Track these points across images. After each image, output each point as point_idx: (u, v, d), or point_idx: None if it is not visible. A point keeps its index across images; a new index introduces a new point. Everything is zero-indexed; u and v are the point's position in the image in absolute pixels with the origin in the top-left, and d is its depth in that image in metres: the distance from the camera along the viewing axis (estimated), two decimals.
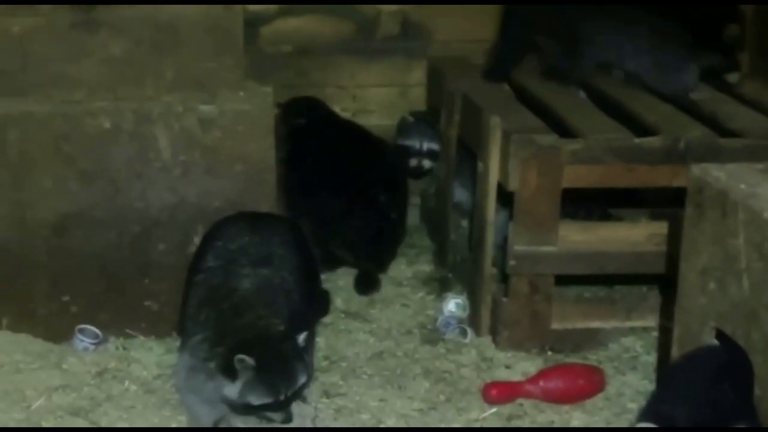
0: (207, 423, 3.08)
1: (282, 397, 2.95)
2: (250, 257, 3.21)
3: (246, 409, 2.96)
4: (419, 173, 4.32)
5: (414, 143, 4.27)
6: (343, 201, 4.05)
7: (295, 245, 3.34)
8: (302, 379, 2.99)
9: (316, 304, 3.54)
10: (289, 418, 3.00)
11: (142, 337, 3.65)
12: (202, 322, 3.09)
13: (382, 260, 4.16)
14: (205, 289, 3.17)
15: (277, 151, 3.65)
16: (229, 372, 2.92)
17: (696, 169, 2.80)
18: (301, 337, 3.03)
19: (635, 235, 3.57)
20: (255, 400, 2.94)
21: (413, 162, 4.28)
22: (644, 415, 2.67)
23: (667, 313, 3.42)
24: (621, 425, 3.19)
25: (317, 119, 4.25)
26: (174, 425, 3.20)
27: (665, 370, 3.04)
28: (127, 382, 3.40)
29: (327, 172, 4.07)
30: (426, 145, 4.25)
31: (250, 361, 2.90)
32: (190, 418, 3.17)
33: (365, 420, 3.24)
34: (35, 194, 3.53)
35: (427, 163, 4.28)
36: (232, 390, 2.94)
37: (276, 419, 2.99)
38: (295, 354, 3.00)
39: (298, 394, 3.02)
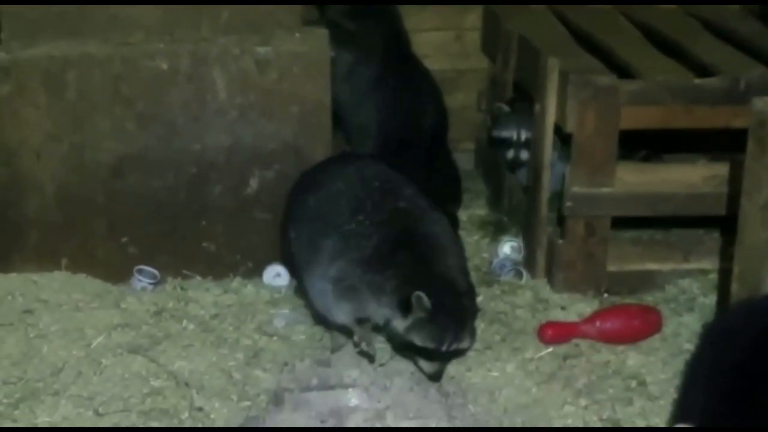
0: (347, 320, 3.14)
1: (444, 349, 3.00)
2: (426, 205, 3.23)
3: (405, 347, 3.03)
4: (517, 164, 4.03)
5: (511, 134, 3.98)
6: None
7: None
8: (469, 341, 3.04)
9: None
10: (438, 375, 3.06)
11: (199, 278, 3.68)
12: (385, 258, 3.08)
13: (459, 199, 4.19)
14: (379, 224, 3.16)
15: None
16: (404, 305, 2.97)
17: (759, 102, 2.75)
18: (478, 300, 3.10)
19: (693, 176, 3.54)
20: (419, 341, 2.99)
21: (510, 154, 4.00)
22: None
23: (726, 254, 3.41)
24: (677, 366, 3.17)
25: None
26: (231, 363, 3.24)
27: None
28: (184, 321, 3.44)
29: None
30: (524, 136, 3.96)
31: (427, 302, 2.94)
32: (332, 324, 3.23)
33: None
34: (93, 136, 3.56)
35: (524, 155, 3.96)
36: (400, 324, 3.00)
37: (426, 370, 3.06)
38: (469, 313, 3.05)
39: (459, 354, 3.08)
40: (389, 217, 3.17)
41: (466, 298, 3.06)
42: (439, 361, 3.07)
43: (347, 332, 3.21)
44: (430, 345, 3.01)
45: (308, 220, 3.31)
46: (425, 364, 3.09)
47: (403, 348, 3.11)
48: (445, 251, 3.13)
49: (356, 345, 3.14)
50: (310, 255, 3.24)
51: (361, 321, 3.13)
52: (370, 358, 3.16)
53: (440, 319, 2.99)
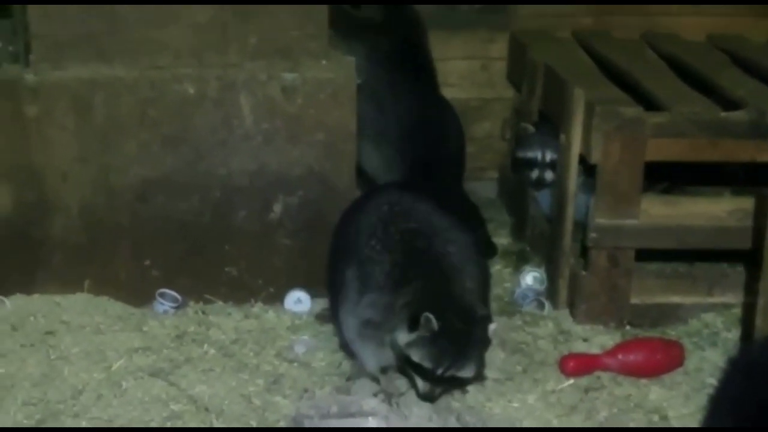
0: (374, 368, 3.13)
1: (439, 372, 2.98)
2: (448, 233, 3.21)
3: (403, 361, 3.00)
4: (541, 185, 4.00)
5: (536, 154, 3.95)
6: None
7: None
8: (470, 370, 3.01)
9: None
10: (429, 397, 3.02)
11: (221, 302, 3.68)
12: (397, 280, 3.09)
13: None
14: (405, 252, 3.15)
15: None
16: (412, 322, 2.96)
17: None
18: (492, 328, 3.04)
19: (718, 210, 3.53)
20: (416, 357, 2.97)
21: (535, 174, 3.97)
22: None
23: (750, 289, 3.39)
24: (699, 400, 3.16)
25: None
26: (251, 389, 3.23)
27: None
28: (206, 346, 3.44)
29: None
30: (548, 156, 3.90)
31: (435, 324, 2.93)
32: (359, 365, 3.22)
33: None
34: (120, 159, 3.57)
35: (549, 175, 3.93)
36: (403, 337, 2.98)
37: (419, 388, 3.02)
38: (478, 342, 3.02)
39: (459, 383, 3.06)
40: (399, 239, 3.16)
41: (475, 327, 3.02)
42: (433, 383, 3.02)
43: (375, 379, 3.19)
44: (426, 364, 2.98)
45: (338, 253, 3.34)
46: (420, 383, 3.03)
47: (401, 362, 3.06)
48: (459, 272, 3.12)
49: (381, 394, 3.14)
50: (339, 288, 3.25)
51: (385, 370, 3.13)
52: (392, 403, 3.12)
53: (442, 343, 2.96)
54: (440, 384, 3.03)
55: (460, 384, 3.10)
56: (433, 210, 3.25)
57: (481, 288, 3.21)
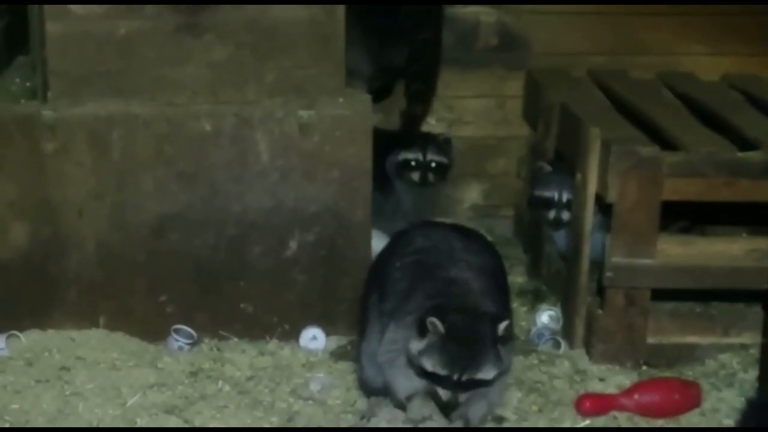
0: (402, 394, 3.09)
1: (456, 377, 2.92)
2: (460, 252, 3.19)
3: (421, 373, 2.96)
4: (559, 225, 3.95)
5: (553, 194, 3.91)
6: None
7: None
8: (488, 370, 2.94)
9: None
10: (453, 404, 2.95)
11: (236, 339, 3.68)
12: (410, 300, 3.08)
13: None
14: (415, 271, 3.16)
15: None
16: (421, 329, 2.93)
17: None
18: (502, 326, 2.96)
19: (735, 250, 3.52)
20: (429, 365, 2.93)
21: (552, 214, 3.93)
22: None
23: (767, 329, 3.38)
24: None
25: None
26: (266, 425, 3.22)
27: None
28: (220, 383, 3.43)
29: None
30: (566, 196, 3.87)
31: (440, 327, 2.90)
32: (391, 391, 3.16)
33: None
34: (136, 195, 3.59)
35: (566, 215, 3.88)
36: (416, 346, 2.95)
37: (442, 397, 2.96)
38: (489, 340, 2.94)
39: (480, 385, 2.96)
40: (413, 259, 3.19)
41: (483, 326, 2.95)
42: (454, 390, 2.95)
43: (402, 406, 3.16)
44: (440, 371, 2.92)
45: (367, 289, 3.35)
46: (441, 392, 2.96)
47: (420, 375, 3.00)
48: (465, 278, 3.09)
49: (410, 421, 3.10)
50: (364, 323, 3.29)
51: (410, 398, 3.09)
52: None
53: (451, 347, 2.91)
54: (460, 389, 2.95)
55: (482, 385, 2.97)
56: (452, 232, 3.27)
57: (491, 287, 3.14)
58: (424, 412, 3.05)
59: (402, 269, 3.19)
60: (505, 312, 3.15)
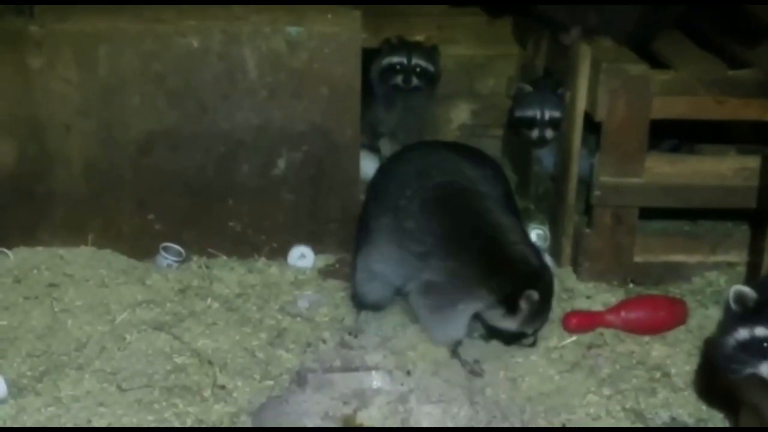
0: (449, 342, 3.22)
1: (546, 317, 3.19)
2: (478, 182, 3.29)
3: (515, 336, 3.22)
4: (542, 144, 3.94)
5: (535, 113, 3.87)
6: None
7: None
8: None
9: None
10: (536, 341, 3.24)
11: (224, 257, 3.68)
12: (459, 254, 3.17)
13: None
14: (445, 212, 3.23)
15: None
16: (512, 306, 3.10)
17: None
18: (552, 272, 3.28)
19: (724, 169, 3.52)
20: (531, 329, 3.19)
21: (535, 133, 3.89)
22: None
23: (754, 248, 3.39)
24: (701, 358, 3.16)
25: None
26: (255, 343, 3.24)
27: None
28: (209, 300, 3.44)
29: None
30: (548, 114, 3.85)
31: (535, 296, 3.08)
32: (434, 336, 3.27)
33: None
34: (123, 112, 3.56)
35: (549, 133, 3.86)
36: (510, 322, 3.15)
37: (527, 343, 3.25)
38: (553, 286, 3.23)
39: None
40: (435, 195, 3.23)
41: (550, 282, 3.21)
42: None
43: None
44: (540, 327, 3.22)
45: (371, 203, 3.38)
46: (526, 341, 3.26)
47: (510, 336, 3.25)
48: (504, 227, 3.20)
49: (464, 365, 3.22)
50: (367, 234, 3.33)
51: (457, 345, 3.23)
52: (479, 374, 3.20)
53: (544, 308, 3.16)
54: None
55: None
56: (463, 161, 3.32)
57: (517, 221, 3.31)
58: (475, 354, 3.23)
59: (427, 207, 3.22)
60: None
